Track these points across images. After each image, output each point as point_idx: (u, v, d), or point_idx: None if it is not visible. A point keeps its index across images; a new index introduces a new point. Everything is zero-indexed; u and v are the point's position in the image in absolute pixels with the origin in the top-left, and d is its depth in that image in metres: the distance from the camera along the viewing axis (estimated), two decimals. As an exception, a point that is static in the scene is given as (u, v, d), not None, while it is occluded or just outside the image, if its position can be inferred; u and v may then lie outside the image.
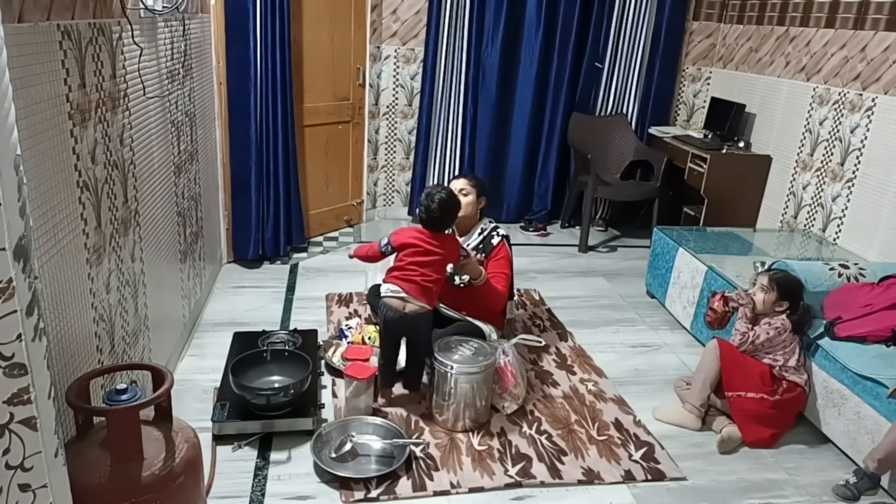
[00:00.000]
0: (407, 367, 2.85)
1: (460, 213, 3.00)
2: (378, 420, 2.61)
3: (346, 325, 3.23)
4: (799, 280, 2.86)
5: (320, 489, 2.32)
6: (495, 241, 3.10)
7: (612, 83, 5.22)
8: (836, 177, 3.97)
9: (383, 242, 2.78)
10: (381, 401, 2.81)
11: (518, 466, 2.49)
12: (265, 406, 2.51)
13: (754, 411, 2.69)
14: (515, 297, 3.89)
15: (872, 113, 3.71)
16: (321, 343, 3.17)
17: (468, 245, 3.11)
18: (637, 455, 2.59)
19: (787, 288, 2.78)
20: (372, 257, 2.87)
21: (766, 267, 3.15)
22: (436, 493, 2.32)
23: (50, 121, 1.70)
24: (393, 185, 5.37)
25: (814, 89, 4.19)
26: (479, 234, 3.12)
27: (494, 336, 3.06)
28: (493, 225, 3.17)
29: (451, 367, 2.59)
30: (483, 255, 3.08)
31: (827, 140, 4.06)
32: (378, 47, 4.92)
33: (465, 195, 3.03)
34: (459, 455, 2.53)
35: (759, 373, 2.71)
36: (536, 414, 2.82)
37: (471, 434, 2.65)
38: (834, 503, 2.42)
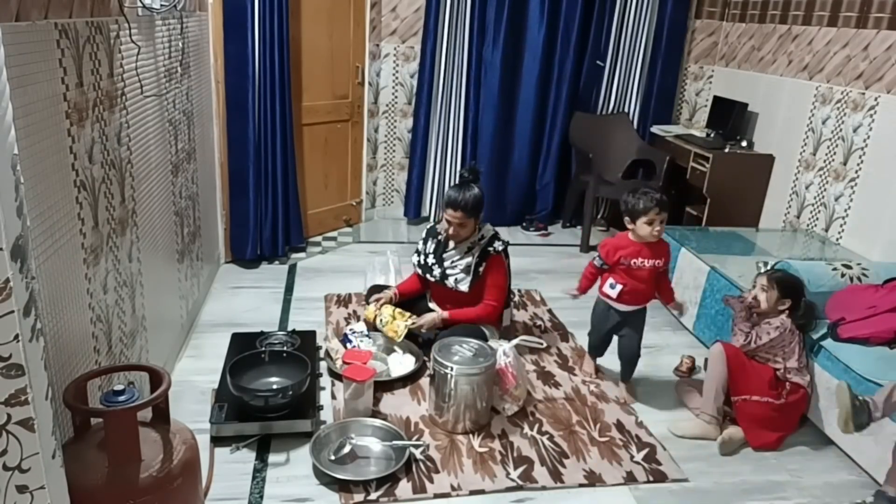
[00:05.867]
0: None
1: (461, 237, 3.07)
2: (377, 422, 2.59)
3: (351, 330, 3.19)
4: (798, 278, 2.85)
5: (319, 491, 2.30)
6: (497, 247, 3.06)
7: (613, 81, 5.20)
8: (839, 176, 3.95)
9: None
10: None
11: (520, 469, 2.47)
12: (263, 408, 2.50)
13: (760, 415, 2.68)
14: (515, 298, 3.88)
15: (875, 112, 3.70)
16: (324, 347, 3.16)
17: (455, 262, 3.08)
18: (639, 456, 2.58)
19: (786, 286, 2.77)
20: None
21: (767, 267, 3.14)
22: (436, 496, 2.31)
23: (47, 120, 1.69)
24: (392, 185, 5.36)
25: (816, 88, 4.17)
26: (473, 246, 3.07)
27: (496, 336, 3.05)
28: (492, 233, 3.12)
29: (451, 369, 2.57)
30: (480, 262, 3.04)
31: (829, 139, 4.05)
32: (377, 45, 4.90)
33: (463, 226, 3.01)
34: (460, 457, 2.51)
35: (765, 377, 2.69)
36: (537, 415, 2.80)
37: (472, 436, 2.64)
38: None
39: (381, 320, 3.10)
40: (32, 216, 1.58)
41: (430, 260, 3.16)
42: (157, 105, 2.72)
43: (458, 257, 3.08)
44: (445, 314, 3.09)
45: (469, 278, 3.05)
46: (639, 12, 5.01)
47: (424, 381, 2.97)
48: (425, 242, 3.24)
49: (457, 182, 3.10)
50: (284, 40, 3.95)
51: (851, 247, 3.79)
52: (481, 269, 3.05)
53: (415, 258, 3.27)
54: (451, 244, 3.12)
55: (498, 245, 3.07)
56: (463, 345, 2.71)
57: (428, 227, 3.30)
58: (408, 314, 3.14)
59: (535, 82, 5.05)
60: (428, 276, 3.18)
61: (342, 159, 4.89)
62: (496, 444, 2.60)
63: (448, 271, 3.10)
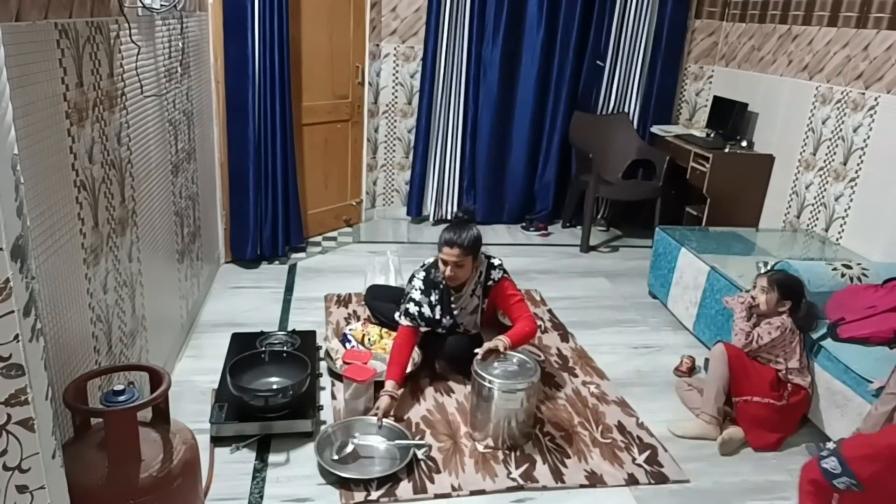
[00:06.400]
0: None
1: (459, 280, 2.82)
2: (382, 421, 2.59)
3: (350, 328, 3.20)
4: (798, 279, 2.85)
5: (319, 491, 2.30)
6: (496, 276, 2.89)
7: (613, 81, 5.20)
8: (839, 176, 3.95)
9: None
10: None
11: (521, 468, 2.47)
12: (263, 408, 2.50)
13: (761, 416, 2.68)
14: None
15: (875, 112, 3.70)
16: (324, 347, 3.16)
17: (465, 308, 2.91)
18: (640, 458, 2.57)
19: (786, 287, 2.77)
20: None
21: (767, 268, 3.14)
22: (437, 496, 2.31)
23: (47, 120, 1.69)
24: (392, 185, 5.35)
25: (816, 88, 4.17)
26: (476, 287, 2.90)
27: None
28: (486, 263, 2.91)
29: (493, 384, 2.51)
30: (483, 301, 2.92)
31: (829, 139, 4.05)
32: (377, 45, 4.90)
33: (460, 266, 2.77)
34: (462, 457, 2.51)
35: (766, 378, 2.69)
36: (538, 415, 2.80)
37: (475, 437, 2.63)
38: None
39: (369, 339, 3.11)
40: (32, 216, 1.58)
41: (438, 313, 2.90)
42: (157, 105, 2.72)
43: (465, 304, 2.91)
44: (508, 341, 2.66)
45: (477, 319, 2.96)
46: (639, 12, 5.01)
47: (424, 381, 2.98)
48: (425, 294, 2.91)
49: (453, 222, 2.86)
50: (284, 40, 3.95)
51: (851, 247, 3.79)
52: (485, 305, 2.93)
53: (413, 308, 2.89)
54: (453, 293, 2.91)
55: (495, 274, 2.89)
56: (505, 359, 2.64)
57: (419, 276, 2.95)
58: (394, 333, 3.11)
59: (533, 82, 5.05)
60: (438, 329, 2.96)
61: (342, 159, 4.89)
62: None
63: (459, 320, 2.94)
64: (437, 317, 2.90)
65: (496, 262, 2.93)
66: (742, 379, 2.71)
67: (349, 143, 4.89)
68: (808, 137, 4.24)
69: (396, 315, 2.98)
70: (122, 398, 1.66)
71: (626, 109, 5.25)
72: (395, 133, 5.20)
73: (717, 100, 5.09)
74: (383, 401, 2.63)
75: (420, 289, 2.91)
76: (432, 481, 2.36)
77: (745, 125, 4.75)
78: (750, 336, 2.72)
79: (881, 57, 3.67)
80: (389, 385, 2.68)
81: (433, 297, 2.90)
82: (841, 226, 3.91)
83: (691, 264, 3.61)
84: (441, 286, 2.89)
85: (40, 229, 1.64)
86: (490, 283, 2.88)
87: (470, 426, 2.67)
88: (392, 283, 3.73)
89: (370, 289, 3.51)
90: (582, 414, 2.84)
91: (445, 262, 2.78)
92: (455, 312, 2.92)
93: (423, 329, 2.94)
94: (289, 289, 3.92)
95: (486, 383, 2.52)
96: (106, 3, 2.10)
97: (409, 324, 2.88)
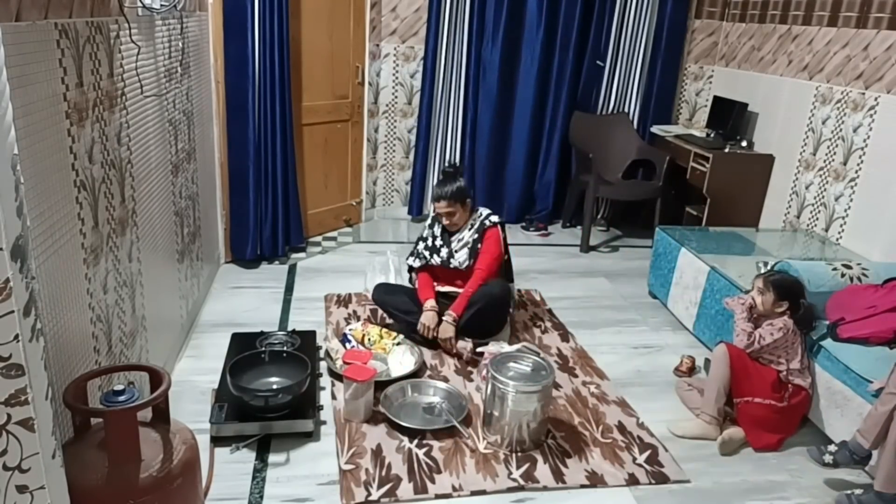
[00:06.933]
0: None
1: (457, 224, 3.27)
2: (441, 384, 2.89)
3: (350, 328, 3.20)
4: (796, 280, 2.84)
5: (319, 491, 2.30)
6: (493, 219, 3.28)
7: (613, 81, 5.20)
8: (839, 176, 3.95)
9: None
10: None
11: (522, 468, 2.47)
12: (263, 408, 2.50)
13: (762, 417, 2.68)
14: (515, 297, 3.87)
15: (875, 112, 3.70)
16: (324, 347, 3.16)
17: (462, 241, 3.27)
18: (641, 458, 2.57)
19: (783, 288, 2.76)
20: None
21: (767, 268, 3.14)
22: (437, 496, 2.31)
23: (47, 120, 1.69)
24: (392, 185, 5.35)
25: (816, 88, 4.17)
26: (475, 222, 3.29)
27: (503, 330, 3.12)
28: (486, 212, 3.31)
29: (508, 386, 2.50)
30: (479, 239, 3.25)
31: (829, 139, 4.05)
32: (377, 45, 4.90)
33: (453, 215, 3.24)
34: (463, 457, 2.51)
35: (768, 379, 2.69)
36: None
37: (476, 437, 2.63)
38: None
39: (369, 339, 3.11)
40: (32, 216, 1.58)
41: (439, 242, 3.31)
42: (157, 105, 2.72)
43: (462, 236, 3.29)
44: (453, 313, 3.15)
45: (469, 253, 3.24)
46: (639, 12, 5.01)
47: (425, 378, 2.97)
48: (431, 228, 3.38)
49: (440, 178, 3.32)
50: (284, 40, 3.94)
51: (851, 247, 3.79)
52: (479, 245, 3.24)
53: (420, 245, 3.38)
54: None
55: (493, 218, 3.29)
56: (520, 360, 2.65)
57: (433, 214, 3.41)
58: (394, 333, 3.18)
59: (533, 82, 5.05)
60: (435, 256, 3.29)
61: (342, 159, 4.89)
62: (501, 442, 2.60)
63: (454, 250, 3.27)
64: (438, 245, 3.31)
65: (498, 216, 3.34)
66: (743, 379, 2.71)
67: (349, 143, 4.89)
68: (808, 137, 4.24)
69: (409, 260, 3.42)
70: (122, 398, 1.66)
71: (626, 109, 5.25)
72: (395, 133, 5.20)
73: (717, 100, 5.09)
74: (428, 316, 3.15)
75: (428, 224, 3.40)
76: (433, 481, 2.36)
77: (745, 125, 4.75)
78: (752, 337, 2.72)
79: (881, 57, 3.67)
80: (428, 304, 3.21)
81: (436, 230, 3.36)
82: (841, 226, 3.92)
83: (691, 264, 3.61)
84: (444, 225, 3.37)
85: (40, 229, 1.64)
86: (487, 222, 3.28)
87: (482, 423, 2.67)
88: (392, 283, 3.73)
89: (378, 287, 3.47)
90: (582, 414, 2.84)
91: (440, 215, 3.27)
92: (452, 245, 3.31)
93: (434, 261, 3.31)
94: (289, 289, 3.92)
95: (501, 385, 2.52)
96: (106, 3, 2.10)
97: (420, 264, 3.35)
